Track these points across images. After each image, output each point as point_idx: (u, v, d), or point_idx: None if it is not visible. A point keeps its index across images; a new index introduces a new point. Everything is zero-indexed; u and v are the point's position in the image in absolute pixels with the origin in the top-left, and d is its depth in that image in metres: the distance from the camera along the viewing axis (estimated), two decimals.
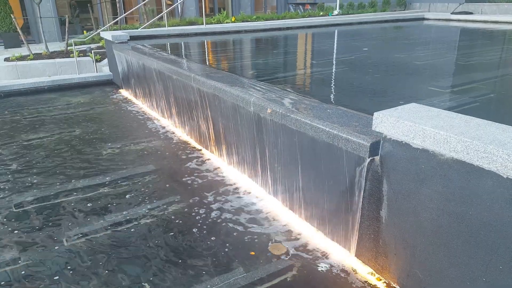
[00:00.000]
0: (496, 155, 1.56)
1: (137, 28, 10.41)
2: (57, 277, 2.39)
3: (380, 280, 2.32)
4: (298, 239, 2.72)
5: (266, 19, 12.86)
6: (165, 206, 3.18)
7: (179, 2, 14.10)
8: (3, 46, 13.67)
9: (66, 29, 9.72)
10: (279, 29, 9.87)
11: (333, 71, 4.65)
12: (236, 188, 3.45)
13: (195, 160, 4.07)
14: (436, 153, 1.80)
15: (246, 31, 9.19)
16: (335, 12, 15.24)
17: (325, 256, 2.54)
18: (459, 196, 1.75)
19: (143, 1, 15.96)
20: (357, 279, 2.34)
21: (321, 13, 15.30)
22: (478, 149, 1.61)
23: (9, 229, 2.90)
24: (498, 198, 1.60)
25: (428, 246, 1.96)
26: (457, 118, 1.89)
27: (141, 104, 6.27)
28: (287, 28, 10.00)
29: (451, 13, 12.85)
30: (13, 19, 10.13)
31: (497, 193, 1.60)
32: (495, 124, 1.79)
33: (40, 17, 10.28)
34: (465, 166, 1.69)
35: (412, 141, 1.90)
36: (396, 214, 2.10)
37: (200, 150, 4.34)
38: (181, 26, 10.98)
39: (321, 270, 2.42)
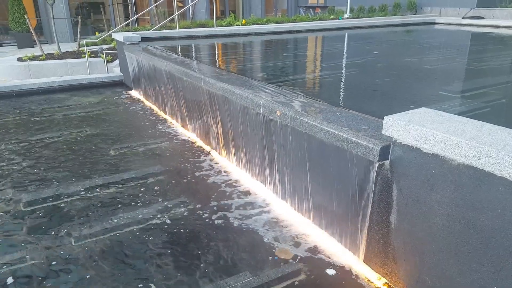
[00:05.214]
0: (508, 161, 1.54)
1: (148, 30, 10.48)
2: (61, 278, 2.41)
3: (389, 286, 2.30)
4: (306, 242, 2.71)
5: (277, 22, 12.86)
6: (172, 207, 3.19)
7: (190, 4, 14.16)
8: (16, 46, 13.85)
9: (78, 30, 9.82)
10: (289, 32, 9.87)
11: (343, 74, 4.64)
12: (244, 190, 3.45)
13: (203, 162, 4.07)
14: (447, 158, 1.79)
15: (256, 34, 9.20)
16: (345, 15, 15.20)
17: (333, 260, 2.52)
18: (470, 202, 1.73)
19: (155, 3, 16.07)
20: (365, 284, 2.32)
21: (331, 17, 15.27)
22: (490, 155, 1.60)
23: (17, 227, 2.93)
24: (510, 205, 1.58)
25: (438, 252, 1.94)
26: (468, 123, 1.87)
27: (151, 105, 6.31)
28: (297, 31, 10.00)
29: (462, 18, 12.75)
30: (27, 20, 10.26)
31: (509, 200, 1.58)
32: (507, 130, 1.77)
33: (53, 18, 10.40)
34: (476, 172, 1.67)
35: (423, 146, 1.88)
36: (406, 219, 2.08)
37: (209, 151, 4.34)
38: (192, 28, 11.03)
39: (329, 274, 2.40)
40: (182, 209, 3.15)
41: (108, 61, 8.69)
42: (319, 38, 9.27)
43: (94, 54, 9.38)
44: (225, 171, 3.84)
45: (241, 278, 2.37)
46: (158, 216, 3.06)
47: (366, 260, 2.45)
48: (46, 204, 3.25)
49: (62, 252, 2.63)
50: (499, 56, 6.04)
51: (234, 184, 3.58)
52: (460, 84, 4.20)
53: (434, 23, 12.00)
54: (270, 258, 2.56)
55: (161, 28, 11.00)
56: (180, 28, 10.28)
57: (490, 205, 1.66)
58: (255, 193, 3.40)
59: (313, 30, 10.41)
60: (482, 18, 13.42)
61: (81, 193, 3.43)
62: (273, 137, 3.10)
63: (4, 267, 2.49)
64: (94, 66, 8.80)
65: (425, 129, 1.84)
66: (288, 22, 13.00)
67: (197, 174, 3.81)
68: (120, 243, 2.72)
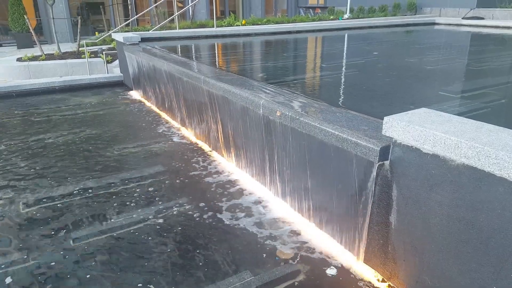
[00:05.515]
0: (507, 162, 1.54)
1: (148, 30, 10.48)
2: (60, 278, 2.41)
3: (389, 286, 2.30)
4: (306, 243, 2.71)
5: (277, 22, 12.87)
6: (172, 207, 3.19)
7: (190, 4, 14.17)
8: (16, 46, 13.84)
9: (78, 30, 9.81)
10: (289, 32, 9.88)
11: (343, 75, 4.64)
12: (244, 190, 3.45)
13: (203, 162, 4.07)
14: (446, 158, 1.79)
15: (256, 34, 9.21)
16: (345, 16, 15.21)
17: (333, 261, 2.53)
18: (470, 202, 1.73)
19: (155, 3, 16.08)
20: (365, 285, 2.32)
21: (331, 17, 15.28)
22: (489, 155, 1.60)
23: (17, 228, 2.93)
24: (509, 205, 1.59)
25: (438, 252, 1.95)
26: (468, 124, 1.88)
27: (151, 106, 6.31)
28: (297, 32, 10.00)
29: (462, 18, 12.76)
30: (27, 20, 10.26)
31: (509, 200, 1.58)
32: (506, 130, 1.78)
33: (53, 18, 10.40)
34: (476, 172, 1.68)
35: (423, 146, 1.88)
36: (406, 219, 2.09)
37: (209, 152, 4.35)
38: (192, 28, 11.03)
39: (329, 275, 2.40)
40: (182, 209, 3.16)
41: (108, 62, 8.69)
42: (319, 39, 9.28)
43: (94, 54, 9.38)
44: (225, 171, 3.85)
45: (241, 278, 2.37)
46: (158, 216, 3.06)
47: (366, 260, 2.45)
48: (45, 204, 3.25)
49: (61, 252, 2.63)
50: (499, 56, 6.05)
51: (234, 184, 3.58)
52: (460, 85, 4.21)
53: (434, 23, 12.01)
54: (270, 258, 2.56)
55: (161, 28, 11.00)
56: (180, 28, 10.28)
57: (489, 205, 1.66)
58: (255, 193, 3.41)
59: (313, 31, 10.41)
60: (482, 18, 13.44)
61: (80, 193, 3.43)
62: (273, 138, 3.11)
63: (3, 266, 2.49)
64: (94, 67, 8.80)
65: (425, 130, 1.84)
66: (288, 22, 13.00)
67: (197, 174, 3.81)
68: (119, 243, 2.72)
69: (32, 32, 10.30)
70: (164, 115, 5.78)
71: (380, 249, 2.31)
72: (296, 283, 2.33)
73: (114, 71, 8.51)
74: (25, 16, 11.38)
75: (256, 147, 3.42)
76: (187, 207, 3.20)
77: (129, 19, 13.00)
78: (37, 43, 10.09)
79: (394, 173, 2.09)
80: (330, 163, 2.54)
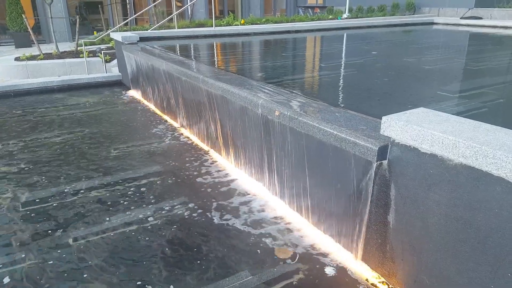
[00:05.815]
0: (505, 161, 1.55)
1: (147, 30, 10.47)
2: (61, 278, 2.41)
3: (387, 285, 2.31)
4: (305, 242, 2.72)
5: (276, 22, 12.87)
6: (170, 207, 3.19)
7: (189, 4, 14.16)
8: (14, 46, 13.81)
9: (77, 30, 9.79)
10: (288, 32, 9.87)
11: (342, 74, 4.64)
12: (243, 190, 3.46)
13: (202, 162, 4.08)
14: (444, 158, 1.79)
15: (255, 34, 9.20)
16: (344, 15, 15.22)
17: (331, 260, 2.53)
18: (467, 201, 1.74)
19: (153, 2, 16.06)
20: (363, 284, 2.33)
21: (330, 17, 15.29)
22: (487, 154, 1.60)
23: (16, 227, 2.93)
24: (506, 204, 1.59)
25: (436, 252, 1.95)
26: (466, 123, 1.88)
27: (150, 105, 6.31)
28: (296, 31, 10.00)
29: (461, 18, 12.76)
30: (25, 19, 10.24)
31: (506, 199, 1.59)
32: (504, 130, 1.78)
33: (51, 17, 10.37)
34: (474, 171, 1.68)
35: (421, 146, 1.89)
36: (404, 219, 2.09)
37: (208, 151, 4.35)
38: (191, 28, 11.03)
39: (327, 274, 2.41)
40: (180, 209, 3.16)
41: (106, 61, 8.67)
42: (317, 38, 9.28)
43: (93, 53, 9.36)
44: (223, 171, 3.85)
45: (240, 277, 2.37)
46: (156, 216, 3.06)
47: (365, 260, 2.46)
48: (43, 204, 3.24)
49: (59, 251, 2.63)
50: (497, 56, 6.06)
51: (232, 183, 3.59)
52: (458, 84, 4.21)
53: (433, 23, 12.02)
54: (268, 257, 2.56)
55: (160, 27, 10.98)
56: (178, 27, 10.28)
57: (487, 204, 1.66)
58: (254, 192, 3.41)
59: (312, 30, 10.41)
60: (480, 18, 13.45)
61: (78, 193, 3.43)
62: (272, 137, 3.11)
63: (1, 266, 2.49)
64: (92, 66, 8.78)
65: (423, 129, 1.85)
66: (287, 22, 13.00)
67: (195, 174, 3.81)
68: (118, 243, 2.72)
69: (30, 31, 10.28)
70: (162, 114, 5.77)
71: (378, 249, 2.32)
72: (294, 282, 2.34)
73: (113, 71, 8.49)
74: (23, 15, 11.34)
75: (254, 146, 3.42)
76: (184, 206, 3.20)
77: (127, 18, 12.98)
78: (35, 42, 10.06)
79: (392, 172, 2.09)
80: (329, 163, 2.55)
